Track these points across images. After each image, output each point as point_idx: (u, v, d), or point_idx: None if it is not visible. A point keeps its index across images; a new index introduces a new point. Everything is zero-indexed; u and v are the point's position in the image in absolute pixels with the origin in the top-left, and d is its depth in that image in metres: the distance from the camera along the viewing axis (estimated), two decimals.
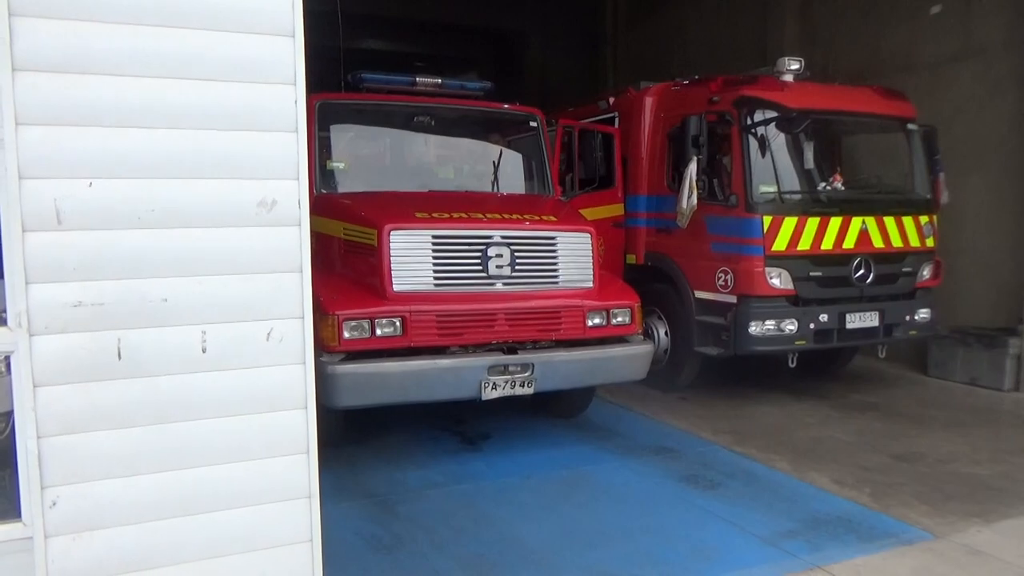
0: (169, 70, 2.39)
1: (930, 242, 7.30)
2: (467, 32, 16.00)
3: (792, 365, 6.99)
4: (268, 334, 2.59)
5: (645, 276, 7.57)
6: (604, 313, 5.59)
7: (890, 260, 7.05)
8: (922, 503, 4.69)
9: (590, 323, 5.54)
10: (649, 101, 7.83)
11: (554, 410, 6.63)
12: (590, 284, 5.59)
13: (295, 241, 2.61)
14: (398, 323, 4.98)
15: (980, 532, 4.25)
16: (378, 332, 4.93)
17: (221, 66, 2.45)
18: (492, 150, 6.86)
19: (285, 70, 2.54)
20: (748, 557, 3.96)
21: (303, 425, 2.67)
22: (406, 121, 6.45)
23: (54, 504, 2.37)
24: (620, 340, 5.71)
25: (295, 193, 2.59)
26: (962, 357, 7.99)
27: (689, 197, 6.66)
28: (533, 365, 5.23)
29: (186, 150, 2.44)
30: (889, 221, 7.03)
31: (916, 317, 7.24)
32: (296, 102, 2.56)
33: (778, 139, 6.76)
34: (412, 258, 5.08)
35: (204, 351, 2.51)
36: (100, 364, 2.39)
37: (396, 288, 5.01)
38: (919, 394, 7.67)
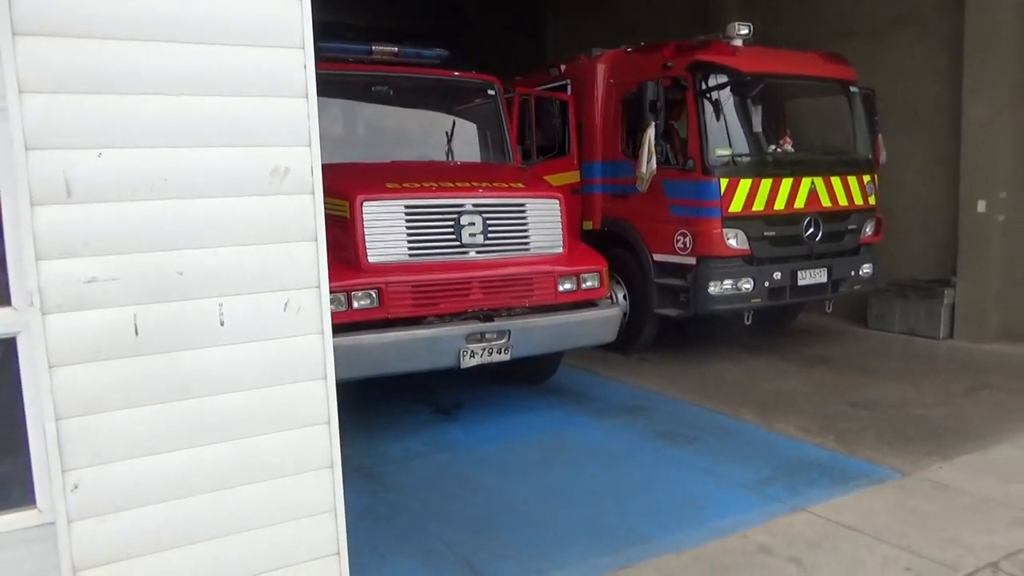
0: (177, 34, 2.29)
1: (872, 200, 7.64)
2: (404, 1, 15.63)
3: (748, 323, 7.24)
4: (285, 305, 2.55)
5: (602, 242, 7.62)
6: (574, 278, 5.68)
7: (837, 218, 7.35)
8: (884, 445, 4.98)
9: (561, 288, 5.62)
10: (601, 68, 7.89)
11: (523, 377, 6.70)
12: (560, 250, 5.65)
13: (309, 209, 2.57)
14: (374, 295, 4.94)
15: (941, 468, 4.54)
16: (355, 305, 4.89)
17: (230, 29, 2.37)
18: (451, 119, 6.79)
19: (293, 33, 2.47)
20: (736, 504, 4.14)
21: (323, 395, 2.64)
22: (364, 91, 6.33)
23: (76, 487, 2.29)
24: (590, 304, 5.80)
25: (307, 160, 2.54)
26: (900, 309, 8.44)
27: (648, 162, 6.77)
28: (509, 332, 5.28)
29: (197, 117, 2.36)
30: (835, 181, 7.31)
31: (860, 272, 7.59)
32: (305, 67, 2.50)
33: (732, 103, 6.92)
34: (386, 229, 5.04)
35: (222, 324, 2.45)
36: (117, 341, 2.31)
37: (371, 259, 4.97)
38: (863, 345, 8.08)
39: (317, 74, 6.43)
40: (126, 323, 2.32)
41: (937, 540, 3.64)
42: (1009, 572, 3.36)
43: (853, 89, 7.66)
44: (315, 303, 2.60)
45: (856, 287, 7.65)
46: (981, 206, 7.78)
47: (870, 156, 7.75)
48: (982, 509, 3.97)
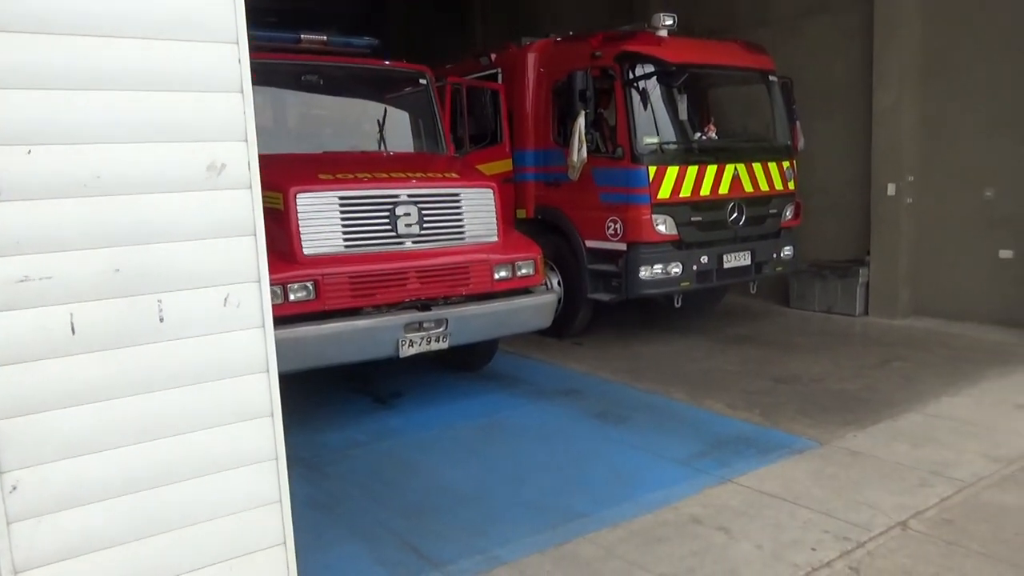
0: (108, 29, 2.27)
1: (791, 185, 7.98)
2: None
3: (678, 305, 7.50)
4: (225, 299, 2.56)
5: (536, 229, 7.76)
6: (510, 266, 5.78)
7: (759, 203, 7.66)
8: (805, 417, 5.28)
9: (497, 276, 5.71)
10: (532, 57, 7.98)
11: (461, 364, 6.79)
12: (495, 238, 5.75)
13: (247, 204, 2.58)
14: (311, 287, 4.94)
15: (856, 437, 4.85)
16: (291, 297, 4.88)
17: (162, 24, 2.35)
18: (383, 108, 6.79)
19: (226, 28, 2.47)
20: (668, 477, 4.34)
21: (266, 388, 2.67)
22: (294, 81, 6.27)
23: (15, 488, 2.27)
24: (525, 291, 5.92)
25: (244, 155, 2.56)
26: (819, 288, 8.87)
27: (579, 150, 6.92)
28: (447, 320, 5.35)
29: (129, 113, 2.34)
30: (757, 167, 7.61)
31: (782, 254, 7.94)
32: (240, 61, 2.51)
33: (658, 92, 7.12)
34: (320, 220, 5.04)
35: (161, 321, 2.45)
36: (53, 340, 2.28)
37: (307, 251, 4.97)
38: (785, 324, 8.46)
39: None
40: (62, 322, 2.30)
41: (852, 503, 3.91)
42: (917, 529, 3.64)
43: (772, 78, 7.97)
44: (255, 297, 2.62)
45: (778, 269, 8.00)
46: (891, 189, 8.24)
47: (789, 143, 8.08)
48: (893, 473, 4.27)
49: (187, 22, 2.42)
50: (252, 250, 2.60)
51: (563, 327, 7.75)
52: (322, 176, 5.17)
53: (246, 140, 2.55)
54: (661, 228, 7.01)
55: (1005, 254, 7.69)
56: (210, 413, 2.59)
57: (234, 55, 2.50)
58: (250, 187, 2.58)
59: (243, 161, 2.56)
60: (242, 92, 2.52)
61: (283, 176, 5.06)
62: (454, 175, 5.79)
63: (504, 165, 8.08)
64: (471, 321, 5.50)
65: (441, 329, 5.34)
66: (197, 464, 2.58)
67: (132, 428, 2.45)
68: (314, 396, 6.09)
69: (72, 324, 2.31)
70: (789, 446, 4.75)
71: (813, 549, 3.48)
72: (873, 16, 8.20)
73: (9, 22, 2.14)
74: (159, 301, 2.45)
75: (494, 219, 5.75)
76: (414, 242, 5.34)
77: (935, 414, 5.24)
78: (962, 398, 5.56)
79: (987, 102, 7.65)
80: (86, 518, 2.40)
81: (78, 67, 2.26)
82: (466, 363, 6.78)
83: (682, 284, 7.18)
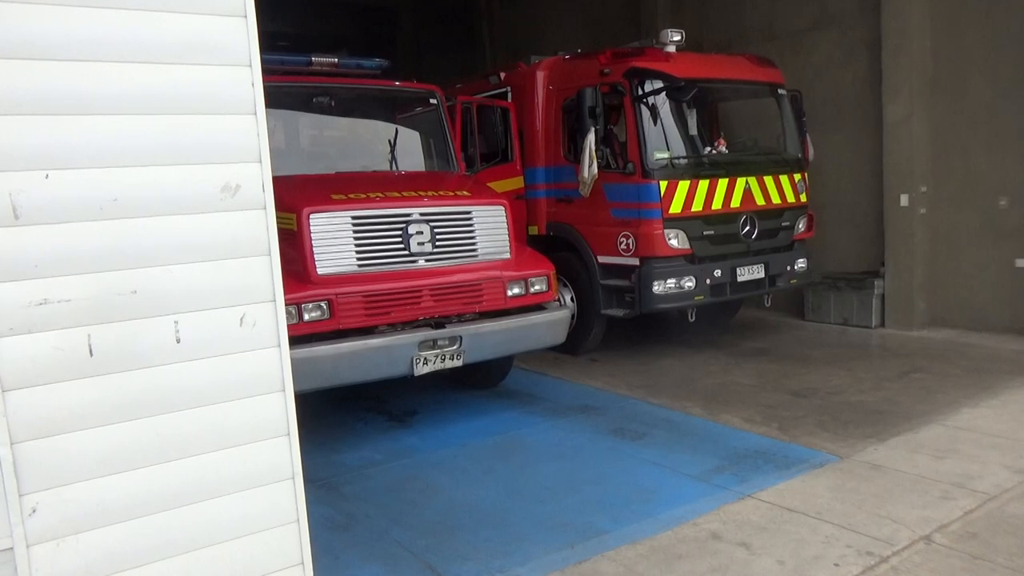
0: (122, 54, 2.31)
1: (803, 197, 7.94)
2: (334, 8, 15.57)
3: (692, 319, 7.47)
4: (241, 319, 2.58)
5: (548, 246, 7.77)
6: (523, 283, 5.78)
7: (771, 216, 7.63)
8: (824, 431, 5.22)
9: (510, 293, 5.71)
10: (541, 75, 8.03)
11: (475, 381, 6.77)
12: (507, 255, 5.75)
13: (261, 224, 2.61)
14: (325, 306, 4.96)
15: (877, 450, 4.79)
16: (305, 317, 4.90)
17: (176, 49, 2.39)
18: (394, 128, 6.84)
19: (239, 51, 2.51)
20: (685, 494, 4.29)
21: (282, 407, 2.68)
22: (305, 102, 6.33)
23: (34, 511, 2.28)
24: (539, 308, 5.91)
25: (258, 176, 2.58)
26: (834, 301, 8.80)
27: (590, 167, 6.93)
28: (461, 338, 5.35)
29: (145, 137, 2.38)
30: (768, 180, 7.58)
31: (795, 267, 7.89)
32: (253, 84, 2.54)
33: (667, 107, 7.13)
34: (334, 240, 5.07)
35: (178, 341, 2.47)
36: (71, 363, 2.31)
37: (320, 271, 4.99)
38: (801, 337, 8.39)
39: None
40: (80, 344, 2.32)
41: (875, 517, 3.85)
42: (941, 543, 3.58)
43: (781, 91, 7.96)
44: (271, 317, 2.64)
45: (792, 281, 7.95)
46: (904, 200, 8.19)
47: (799, 155, 8.06)
48: (915, 486, 4.21)
49: (201, 47, 2.46)
50: (267, 270, 2.62)
51: (577, 343, 7.73)
52: (335, 196, 5.20)
53: (260, 161, 2.58)
54: (673, 242, 7.00)
55: (1022, 263, 7.61)
56: (227, 433, 2.60)
57: (247, 78, 2.53)
58: (264, 207, 2.60)
59: (257, 182, 2.58)
60: (255, 114, 2.55)
61: (296, 197, 5.09)
62: (466, 193, 5.81)
63: (515, 182, 8.10)
64: (485, 338, 5.50)
65: (455, 347, 5.34)
66: (215, 484, 2.59)
67: (150, 449, 2.46)
68: (329, 415, 6.09)
69: (90, 346, 2.33)
70: (808, 460, 4.69)
71: (836, 564, 3.43)
72: (881, 29, 8.19)
73: (27, 50, 2.18)
74: (176, 322, 2.47)
75: (506, 236, 5.75)
76: (427, 260, 5.35)
77: (956, 426, 5.16)
78: (983, 409, 5.48)
79: (998, 111, 7.61)
80: (105, 539, 2.41)
81: (95, 92, 2.30)
82: (481, 380, 6.77)
83: (696, 298, 7.15)
